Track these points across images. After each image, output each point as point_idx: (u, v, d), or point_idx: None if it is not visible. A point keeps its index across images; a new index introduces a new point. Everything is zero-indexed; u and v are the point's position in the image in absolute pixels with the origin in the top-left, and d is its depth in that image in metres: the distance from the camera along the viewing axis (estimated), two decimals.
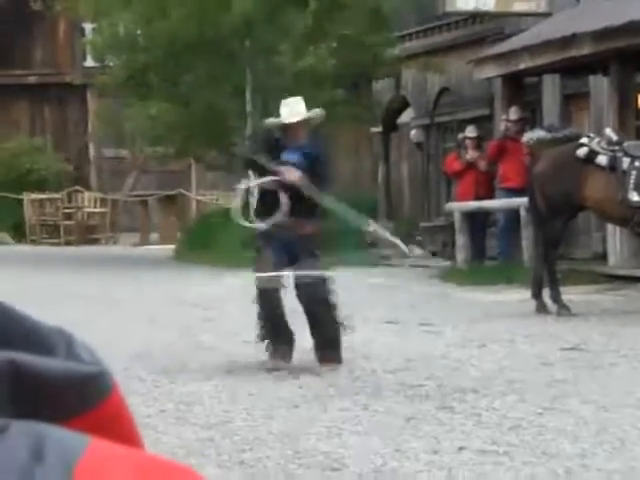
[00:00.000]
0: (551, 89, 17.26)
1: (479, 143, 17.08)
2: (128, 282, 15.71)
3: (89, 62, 26.90)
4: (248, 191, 9.23)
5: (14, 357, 0.68)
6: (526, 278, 12.00)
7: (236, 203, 8.66)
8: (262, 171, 8.11)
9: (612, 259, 14.34)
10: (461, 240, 15.99)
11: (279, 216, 7.91)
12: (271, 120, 8.35)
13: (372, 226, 8.63)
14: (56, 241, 27.73)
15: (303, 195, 7.90)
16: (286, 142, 8.00)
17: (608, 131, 11.63)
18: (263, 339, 7.96)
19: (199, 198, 27.84)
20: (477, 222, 16.33)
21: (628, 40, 13.45)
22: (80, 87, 28.87)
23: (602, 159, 11.02)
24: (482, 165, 16.57)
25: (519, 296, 12.10)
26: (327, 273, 8.12)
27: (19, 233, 27.88)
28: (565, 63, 14.75)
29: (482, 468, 5.16)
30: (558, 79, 16.97)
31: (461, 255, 15.95)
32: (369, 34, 18.72)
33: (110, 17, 19.35)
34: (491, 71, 16.23)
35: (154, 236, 27.73)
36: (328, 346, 7.87)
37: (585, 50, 14.05)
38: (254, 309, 8.01)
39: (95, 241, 28.11)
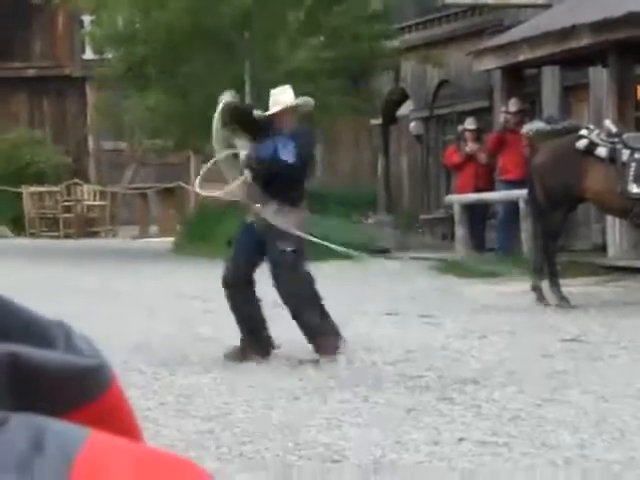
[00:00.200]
0: (550, 81, 17.25)
1: (478, 135, 17.07)
2: (127, 275, 15.71)
3: (88, 54, 26.90)
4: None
5: (13, 349, 0.68)
6: (526, 270, 12.00)
7: (203, 171, 8.77)
8: (244, 127, 8.11)
9: (612, 251, 14.35)
10: (460, 232, 15.99)
11: (236, 189, 8.04)
12: (259, 114, 8.38)
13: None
14: (55, 234, 27.73)
15: (271, 179, 7.97)
16: (274, 132, 8.04)
17: (607, 123, 11.62)
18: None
19: (198, 191, 27.80)
20: (476, 214, 16.33)
21: (627, 31, 13.43)
22: (79, 80, 28.86)
23: (602, 151, 11.01)
24: (482, 158, 16.56)
25: (519, 288, 12.11)
26: (302, 263, 8.08)
27: (18, 226, 27.88)
28: (564, 55, 14.74)
29: (482, 459, 5.16)
30: (557, 71, 16.95)
31: (461, 247, 15.95)
32: (367, 26, 18.70)
33: (109, 9, 19.33)
34: (490, 63, 16.21)
35: (153, 229, 27.73)
36: (315, 336, 7.87)
37: (584, 41, 14.03)
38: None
39: (94, 234, 28.11)
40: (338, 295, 12.50)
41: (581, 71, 16.37)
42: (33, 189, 28.18)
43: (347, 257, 17.38)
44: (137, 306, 11.59)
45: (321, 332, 7.88)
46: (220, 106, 8.13)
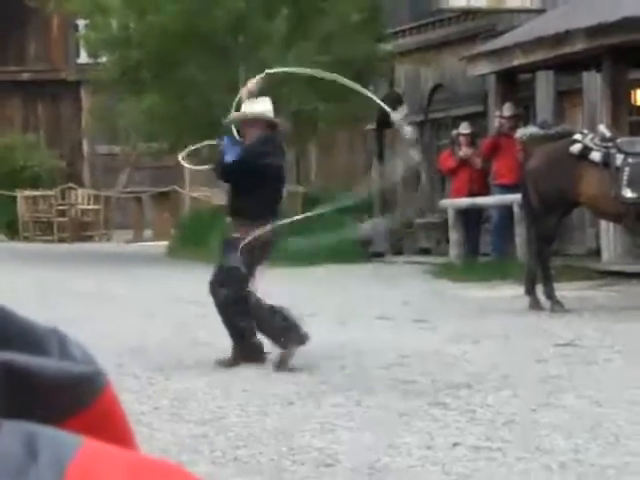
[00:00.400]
0: (544, 85, 17.28)
1: (473, 140, 17.09)
2: (122, 279, 15.70)
3: (83, 58, 26.89)
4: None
5: (7, 357, 0.68)
6: (520, 274, 12.02)
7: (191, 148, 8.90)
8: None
9: (606, 255, 14.36)
10: (455, 236, 16.01)
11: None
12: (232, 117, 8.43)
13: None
14: (49, 238, 27.70)
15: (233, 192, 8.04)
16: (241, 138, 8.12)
17: (601, 127, 11.64)
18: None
19: (193, 195, 27.83)
20: (471, 218, 16.34)
21: (621, 36, 13.46)
22: (74, 83, 28.86)
23: (596, 155, 11.03)
24: (477, 162, 16.58)
25: (513, 292, 12.12)
26: (242, 282, 7.95)
27: (12, 230, 27.85)
28: (558, 60, 14.76)
29: (476, 464, 5.16)
30: (552, 75, 16.98)
31: (455, 251, 15.96)
32: (358, 30, 18.73)
33: (103, 13, 19.34)
34: (484, 68, 16.24)
35: (147, 233, 27.72)
36: (240, 340, 7.91)
37: (578, 46, 14.06)
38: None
39: (89, 238, 28.09)
40: (332, 299, 12.50)
41: (575, 76, 16.40)
42: (27, 193, 28.16)
43: (341, 261, 17.38)
44: (131, 310, 11.58)
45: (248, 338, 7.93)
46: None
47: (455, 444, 5.54)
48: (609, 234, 14.21)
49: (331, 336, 9.37)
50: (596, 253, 14.99)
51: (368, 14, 19.12)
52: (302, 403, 6.64)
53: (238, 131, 8.13)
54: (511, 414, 6.20)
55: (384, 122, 21.65)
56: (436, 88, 20.00)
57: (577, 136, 11.33)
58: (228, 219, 8.22)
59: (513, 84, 16.33)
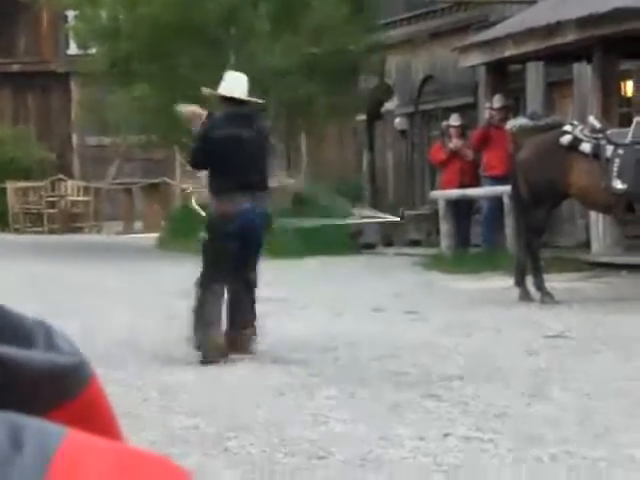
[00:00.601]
0: (535, 77, 17.29)
1: (463, 131, 17.09)
2: (112, 271, 15.68)
3: (73, 50, 26.81)
4: None
5: None
6: (510, 265, 12.04)
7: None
8: None
9: (595, 247, 14.39)
10: (445, 228, 16.02)
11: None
12: (209, 90, 8.43)
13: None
14: (39, 230, 27.65)
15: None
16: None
17: (591, 119, 11.65)
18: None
19: (183, 186, 27.80)
20: (461, 210, 16.36)
21: (612, 27, 13.47)
22: (63, 75, 28.77)
23: (586, 147, 11.04)
24: (468, 154, 16.59)
25: (503, 283, 12.13)
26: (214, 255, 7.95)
27: (2, 222, 27.80)
28: (549, 51, 14.77)
29: (467, 455, 5.17)
30: (542, 67, 16.99)
31: (445, 243, 15.98)
32: (348, 22, 18.71)
33: (92, 4, 19.29)
34: (475, 59, 16.23)
35: (138, 224, 27.69)
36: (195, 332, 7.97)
37: (569, 37, 14.06)
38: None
39: (79, 230, 28.05)
40: (323, 291, 12.50)
41: (566, 67, 16.41)
42: (17, 185, 28.10)
43: (332, 253, 17.38)
44: (121, 302, 11.57)
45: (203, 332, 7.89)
46: None
47: (447, 435, 5.55)
48: (599, 226, 14.24)
49: (323, 328, 9.38)
50: (586, 245, 15.02)
51: (356, 5, 19.10)
52: (294, 395, 6.64)
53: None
54: (502, 406, 6.21)
55: (375, 114, 21.66)
56: (426, 79, 20.00)
57: (567, 127, 11.34)
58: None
59: (503, 75, 16.34)
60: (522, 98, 17.39)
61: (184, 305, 11.19)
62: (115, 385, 6.86)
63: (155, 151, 24.02)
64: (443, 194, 16.36)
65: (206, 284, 7.96)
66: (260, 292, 8.28)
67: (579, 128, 11.20)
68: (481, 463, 5.04)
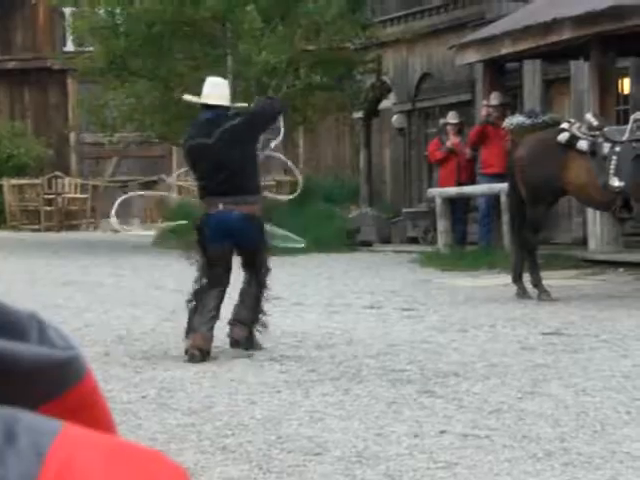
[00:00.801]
0: (532, 74, 17.29)
1: (461, 129, 17.10)
2: (109, 267, 15.68)
3: (69, 47, 26.79)
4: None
5: None
6: (507, 263, 12.04)
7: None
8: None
9: (592, 244, 14.40)
10: (442, 225, 16.03)
11: None
12: (190, 98, 8.42)
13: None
14: (36, 227, 27.63)
15: None
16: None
17: (588, 116, 11.65)
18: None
19: (180, 183, 27.78)
20: (458, 208, 16.37)
21: (609, 25, 13.47)
22: (60, 72, 28.75)
23: (583, 144, 11.04)
24: (467, 153, 16.60)
25: (500, 281, 12.14)
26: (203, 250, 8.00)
27: None
28: (546, 48, 14.77)
29: (463, 452, 5.18)
30: (539, 64, 16.99)
31: (442, 240, 15.99)
32: (343, 19, 18.72)
33: (90, 1, 19.29)
34: (472, 56, 16.24)
35: (135, 221, 27.67)
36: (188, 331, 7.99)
37: (566, 35, 14.07)
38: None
39: (75, 227, 28.04)
40: (320, 288, 12.50)
41: (563, 65, 16.42)
42: (14, 181, 28.08)
43: (329, 250, 17.38)
44: (119, 299, 11.57)
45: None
46: None
47: (442, 432, 5.56)
48: (596, 223, 14.25)
49: (319, 325, 9.38)
50: (583, 242, 15.03)
51: (352, 1, 19.10)
52: (290, 392, 6.65)
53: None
54: (498, 402, 6.22)
55: (372, 111, 21.65)
56: (424, 77, 20.00)
57: (564, 125, 11.35)
58: None
59: (501, 73, 16.34)
60: (519, 96, 17.39)
61: (181, 302, 11.20)
62: (112, 382, 6.86)
63: (152, 148, 24.03)
64: (440, 192, 16.37)
65: (197, 283, 8.04)
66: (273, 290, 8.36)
67: (576, 126, 11.21)
68: (477, 459, 5.05)
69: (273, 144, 8.38)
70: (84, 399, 0.70)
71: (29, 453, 0.65)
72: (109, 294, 12.15)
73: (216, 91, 8.06)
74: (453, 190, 16.20)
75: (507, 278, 11.45)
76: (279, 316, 9.37)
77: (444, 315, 9.89)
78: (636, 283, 11.98)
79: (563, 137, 11.11)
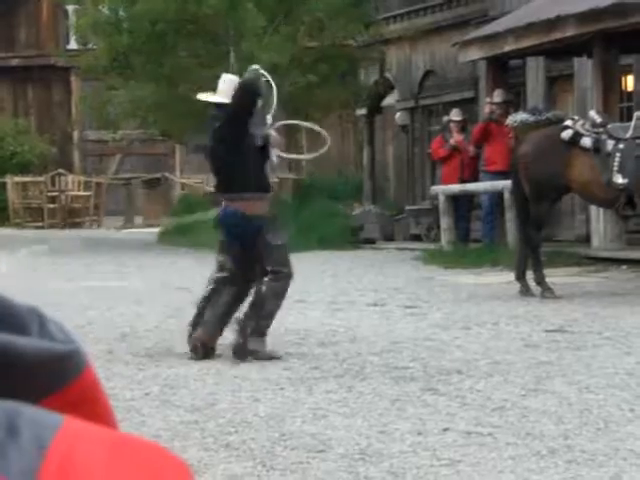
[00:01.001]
0: (535, 71, 17.28)
1: (464, 126, 17.09)
2: (112, 265, 15.69)
3: (73, 44, 26.79)
4: None
5: None
6: (510, 260, 12.04)
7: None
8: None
9: (595, 241, 14.39)
10: (446, 223, 16.02)
11: None
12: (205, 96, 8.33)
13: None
14: (40, 224, 27.65)
15: None
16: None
17: (592, 113, 11.64)
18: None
19: (183, 181, 27.78)
20: (461, 205, 16.36)
21: (612, 22, 13.46)
22: (64, 69, 28.77)
23: (586, 141, 11.03)
24: (470, 150, 16.59)
25: (503, 278, 12.14)
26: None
27: (2, 216, 27.80)
28: (549, 45, 14.76)
29: (466, 449, 5.18)
30: (542, 61, 16.98)
31: (446, 238, 15.98)
32: (346, 16, 18.72)
33: None
34: (475, 54, 16.22)
35: (138, 219, 27.69)
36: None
37: (569, 32, 14.05)
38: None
39: (79, 224, 28.05)
40: (323, 286, 12.50)
41: (566, 62, 16.40)
42: (17, 179, 28.10)
43: (332, 247, 17.37)
44: (122, 296, 11.58)
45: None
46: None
47: (446, 429, 5.56)
48: (599, 220, 14.24)
49: (323, 322, 9.38)
50: (586, 239, 15.02)
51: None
52: (294, 389, 6.65)
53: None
54: (501, 400, 6.22)
55: (375, 109, 21.65)
56: (427, 74, 19.99)
57: (568, 122, 11.34)
58: None
59: (504, 70, 16.33)
60: (523, 93, 17.38)
61: (186, 299, 11.20)
62: (116, 379, 6.87)
63: (156, 146, 24.05)
64: (443, 189, 16.36)
65: (211, 279, 8.00)
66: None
67: (580, 123, 11.20)
68: (480, 457, 5.05)
69: (269, 117, 8.05)
70: (85, 393, 0.70)
71: (31, 447, 0.65)
72: (113, 291, 12.15)
73: (220, 88, 7.99)
74: (456, 187, 16.19)
75: (510, 275, 11.44)
76: (282, 313, 9.36)
77: (447, 312, 9.89)
78: (639, 280, 11.98)
79: (567, 134, 11.10)
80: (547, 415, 5.83)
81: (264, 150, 7.86)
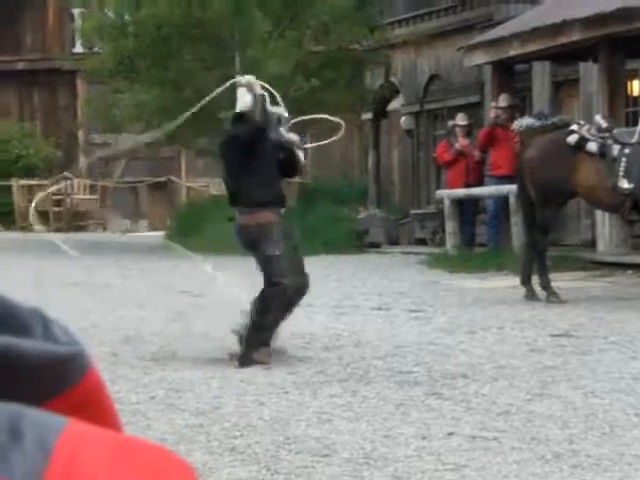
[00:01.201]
0: (541, 76, 17.27)
1: (469, 130, 17.09)
2: (117, 268, 15.70)
3: (78, 48, 26.83)
4: None
5: None
6: (515, 265, 12.03)
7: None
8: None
9: (601, 246, 14.38)
10: (451, 227, 16.01)
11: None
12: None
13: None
14: (45, 228, 27.66)
15: None
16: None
17: (598, 118, 11.64)
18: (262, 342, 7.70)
19: (188, 185, 27.81)
20: (467, 209, 16.35)
21: (618, 26, 13.45)
22: (69, 73, 28.80)
23: (592, 146, 11.03)
24: (476, 155, 16.59)
25: (508, 283, 12.13)
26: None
27: (8, 220, 27.84)
28: (555, 50, 14.76)
29: (471, 454, 5.18)
30: (548, 66, 16.97)
31: (451, 242, 15.97)
32: (350, 20, 18.74)
33: (99, 2, 19.34)
34: (481, 58, 16.23)
35: (143, 223, 27.72)
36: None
37: (575, 37, 14.05)
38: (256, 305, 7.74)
39: (84, 228, 28.09)
40: (328, 290, 12.50)
41: (572, 66, 16.39)
42: (23, 182, 28.14)
43: (337, 251, 17.38)
44: (127, 300, 11.58)
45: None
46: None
47: (451, 434, 5.55)
48: (604, 225, 14.23)
49: (327, 326, 9.38)
50: (591, 244, 15.00)
51: (359, 3, 19.12)
52: (298, 393, 6.65)
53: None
54: (506, 404, 6.22)
55: (380, 113, 21.65)
56: (432, 78, 19.99)
57: (574, 127, 11.33)
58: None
59: (509, 74, 16.33)
60: (528, 97, 17.37)
61: (189, 303, 11.20)
62: (121, 382, 6.87)
63: (161, 149, 24.06)
64: (448, 193, 16.36)
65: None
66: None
67: (585, 127, 11.19)
68: (485, 461, 5.05)
69: (284, 130, 8.07)
70: (89, 395, 0.70)
71: (35, 450, 0.65)
72: (118, 295, 12.16)
73: (240, 98, 7.96)
74: (461, 192, 16.19)
75: (515, 280, 11.43)
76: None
77: (452, 317, 9.88)
78: None
79: (572, 139, 11.10)
80: (552, 420, 5.82)
81: (280, 160, 7.87)
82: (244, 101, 7.85)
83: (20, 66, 30.33)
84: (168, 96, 18.83)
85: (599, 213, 13.87)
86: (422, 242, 18.62)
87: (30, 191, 28.23)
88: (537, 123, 13.72)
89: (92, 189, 28.78)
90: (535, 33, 14.70)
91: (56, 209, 28.08)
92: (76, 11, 27.29)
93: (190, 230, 20.09)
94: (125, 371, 7.39)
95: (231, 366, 7.58)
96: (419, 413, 6.05)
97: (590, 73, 15.64)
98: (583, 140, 11.06)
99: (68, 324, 0.73)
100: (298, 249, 8.21)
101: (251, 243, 7.81)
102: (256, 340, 7.66)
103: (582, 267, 13.55)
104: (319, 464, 5.05)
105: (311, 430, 5.70)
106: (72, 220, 28.17)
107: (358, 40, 19.32)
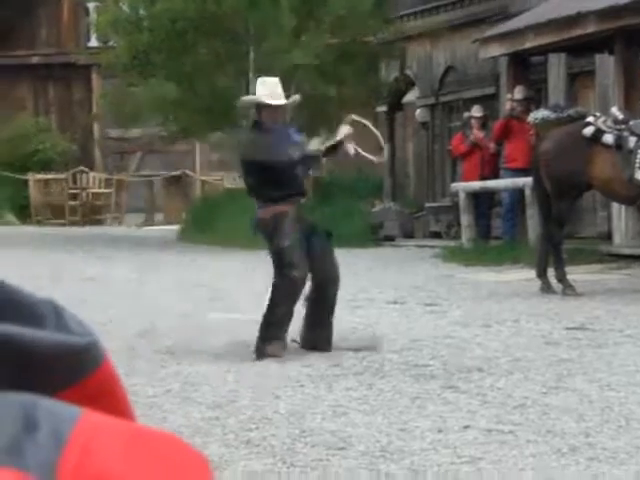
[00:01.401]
0: (557, 68, 17.21)
1: (484, 123, 17.05)
2: (133, 262, 15.73)
3: (93, 42, 26.87)
4: None
5: (5, 329, 0.68)
6: (531, 258, 12.00)
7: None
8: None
9: (617, 238, 14.33)
10: (466, 220, 15.98)
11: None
12: (248, 98, 8.37)
13: None
14: (61, 222, 27.75)
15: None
16: (265, 122, 7.90)
17: (614, 110, 11.59)
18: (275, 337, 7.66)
19: (204, 178, 27.84)
20: (482, 202, 16.32)
21: (632, 19, 13.39)
22: (84, 67, 28.84)
23: (608, 138, 10.99)
24: (491, 147, 16.55)
25: (524, 276, 12.10)
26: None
27: (24, 214, 27.91)
28: (570, 42, 14.70)
29: (487, 447, 5.17)
30: (564, 58, 16.91)
31: (466, 235, 15.94)
32: (368, 14, 18.72)
33: None
34: (496, 50, 16.18)
35: (159, 216, 27.76)
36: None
37: (590, 29, 14.00)
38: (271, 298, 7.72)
39: (100, 222, 28.14)
40: (343, 283, 12.50)
41: (587, 58, 16.33)
42: (39, 177, 28.21)
43: (352, 245, 17.38)
44: (143, 293, 11.61)
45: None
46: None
47: (466, 427, 5.55)
48: (621, 217, 14.18)
49: (343, 319, 9.38)
50: (607, 236, 14.96)
51: None
52: (314, 386, 6.66)
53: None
54: (522, 397, 6.21)
55: (395, 105, 21.62)
56: (448, 70, 19.94)
57: (589, 119, 11.29)
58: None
59: (525, 66, 16.28)
60: (544, 89, 17.31)
61: (205, 297, 11.21)
62: (137, 376, 6.89)
63: (176, 143, 24.07)
64: (464, 186, 16.32)
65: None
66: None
67: (601, 119, 11.15)
68: (501, 455, 5.04)
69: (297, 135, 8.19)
70: (103, 386, 0.70)
71: (49, 440, 0.65)
72: (134, 289, 12.19)
73: (260, 92, 7.94)
74: (477, 184, 16.15)
75: (531, 273, 11.41)
76: (302, 311, 9.37)
77: (467, 310, 9.87)
78: None
79: (588, 131, 11.06)
80: (568, 413, 5.81)
81: (300, 159, 7.89)
82: (271, 95, 7.88)
83: (35, 60, 30.39)
84: (183, 90, 18.85)
85: (615, 205, 13.82)
86: (437, 235, 18.59)
87: (46, 185, 28.30)
88: (553, 115, 13.67)
89: (107, 183, 28.83)
90: (550, 25, 14.64)
91: (72, 203, 28.14)
92: (91, 5, 27.33)
93: (205, 223, 20.11)
94: (141, 364, 7.41)
95: (246, 360, 7.59)
96: (435, 406, 6.05)
97: (606, 65, 15.58)
98: (599, 132, 11.02)
99: (85, 318, 0.74)
100: (330, 237, 8.09)
101: (267, 236, 7.86)
102: (268, 333, 7.64)
103: (598, 260, 13.51)
104: (335, 457, 5.06)
105: (327, 423, 5.70)
106: (88, 214, 28.23)
107: (373, 33, 19.31)
